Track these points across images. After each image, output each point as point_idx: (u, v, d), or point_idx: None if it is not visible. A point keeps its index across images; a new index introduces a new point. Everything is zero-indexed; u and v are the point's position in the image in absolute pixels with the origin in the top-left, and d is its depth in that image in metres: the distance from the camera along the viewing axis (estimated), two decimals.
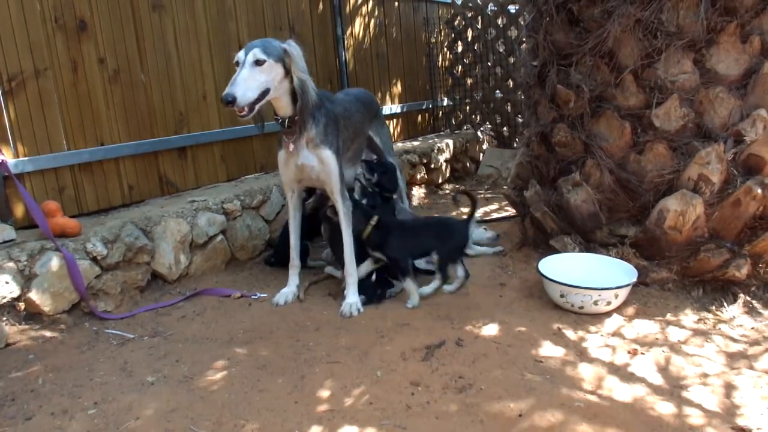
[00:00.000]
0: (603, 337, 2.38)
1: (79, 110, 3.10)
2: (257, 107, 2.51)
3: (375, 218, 2.84)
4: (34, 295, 2.55)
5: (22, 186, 2.78)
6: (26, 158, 2.89)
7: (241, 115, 2.46)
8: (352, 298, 2.76)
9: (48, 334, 2.57)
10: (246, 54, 2.48)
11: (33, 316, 2.61)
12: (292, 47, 2.56)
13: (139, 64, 3.37)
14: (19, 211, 2.87)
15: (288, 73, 2.57)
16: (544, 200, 3.16)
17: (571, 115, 3.05)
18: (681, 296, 2.70)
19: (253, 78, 2.46)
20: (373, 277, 2.91)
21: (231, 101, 2.38)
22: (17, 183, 2.77)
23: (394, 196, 3.46)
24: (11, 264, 2.51)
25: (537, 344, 2.33)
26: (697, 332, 2.39)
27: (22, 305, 2.56)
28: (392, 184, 3.35)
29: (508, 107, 5.95)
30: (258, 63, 2.47)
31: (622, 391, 1.98)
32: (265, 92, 2.51)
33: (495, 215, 4.37)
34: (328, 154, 2.73)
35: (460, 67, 6.19)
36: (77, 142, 3.10)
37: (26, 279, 2.55)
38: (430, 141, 5.62)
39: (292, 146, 2.72)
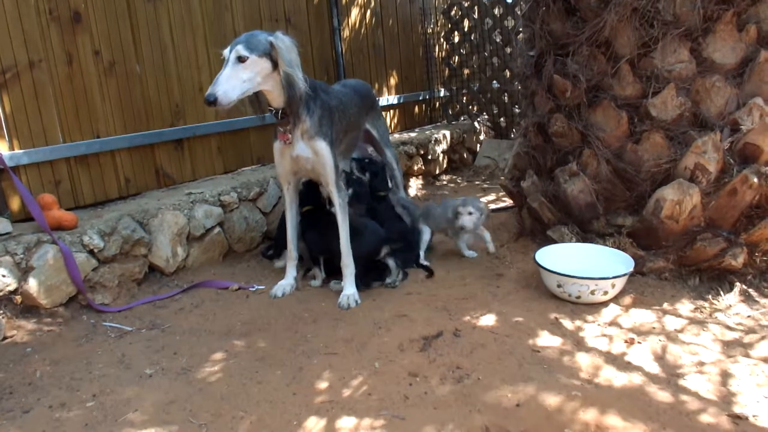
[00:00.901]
0: (600, 327, 2.39)
1: (74, 102, 3.09)
2: (237, 100, 2.50)
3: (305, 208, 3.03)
4: (31, 288, 2.54)
5: (17, 179, 2.77)
6: (22, 151, 2.88)
7: (219, 108, 2.46)
8: (350, 289, 2.76)
9: (45, 327, 2.57)
10: (230, 51, 2.47)
11: (30, 309, 2.61)
12: (279, 40, 2.53)
13: (135, 55, 3.36)
14: (15, 204, 2.87)
15: (277, 66, 2.54)
16: (541, 191, 3.16)
17: (568, 105, 3.05)
18: (678, 285, 2.70)
19: (236, 76, 2.44)
20: None
21: (212, 101, 2.38)
22: (13, 176, 2.76)
23: (391, 188, 3.46)
24: (8, 257, 2.51)
25: (534, 334, 2.34)
26: (693, 321, 2.40)
27: (19, 298, 2.55)
28: (384, 184, 3.33)
29: (505, 98, 5.94)
30: (241, 60, 2.45)
31: (619, 380, 1.99)
32: (251, 88, 2.51)
33: (492, 206, 4.37)
34: (322, 146, 2.72)
35: (456, 57, 6.17)
36: (73, 135, 3.09)
37: (23, 272, 2.55)
38: (428, 132, 5.61)
39: (290, 136, 2.71)
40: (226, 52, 2.49)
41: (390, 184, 3.52)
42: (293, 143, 2.72)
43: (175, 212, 3.13)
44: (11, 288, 2.51)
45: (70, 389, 2.09)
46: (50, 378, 2.18)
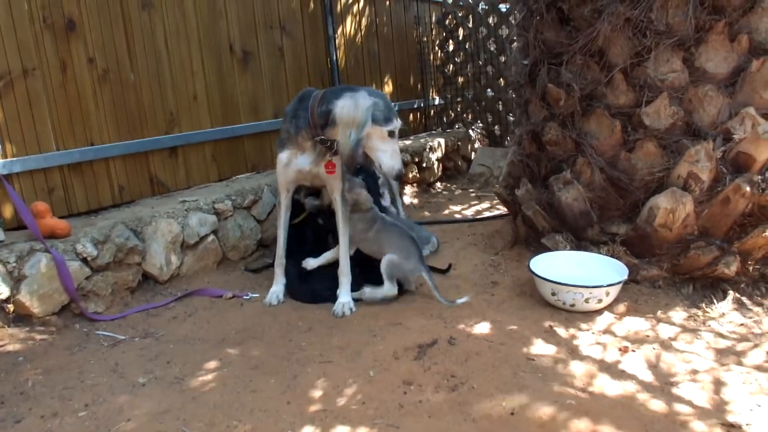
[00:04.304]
0: (594, 335, 2.39)
1: (68, 110, 3.08)
2: None
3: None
4: (23, 296, 2.53)
5: (10, 187, 2.76)
6: (15, 159, 2.86)
7: None
8: (345, 297, 2.76)
9: (38, 335, 2.55)
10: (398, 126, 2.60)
11: (22, 317, 2.59)
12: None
13: (129, 63, 3.35)
14: (7, 212, 2.85)
15: None
16: (535, 199, 3.17)
17: (561, 114, 3.07)
18: (671, 293, 2.71)
19: None
20: None
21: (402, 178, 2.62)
22: (6, 184, 2.75)
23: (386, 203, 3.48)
24: (0, 266, 2.49)
25: (529, 342, 2.34)
26: (686, 329, 2.41)
27: (11, 307, 2.53)
28: (374, 195, 3.34)
29: (500, 106, 5.96)
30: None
31: (613, 388, 1.99)
32: None
33: (487, 214, 4.38)
34: (337, 160, 2.74)
35: (451, 65, 6.20)
36: (67, 142, 3.08)
37: (15, 280, 2.53)
38: (422, 140, 5.62)
39: (329, 156, 2.73)
40: (397, 126, 2.59)
41: (387, 202, 3.54)
42: (314, 157, 2.74)
43: (169, 220, 3.12)
44: (3, 296, 2.49)
45: (63, 399, 2.08)
46: (42, 387, 2.16)
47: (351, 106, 2.52)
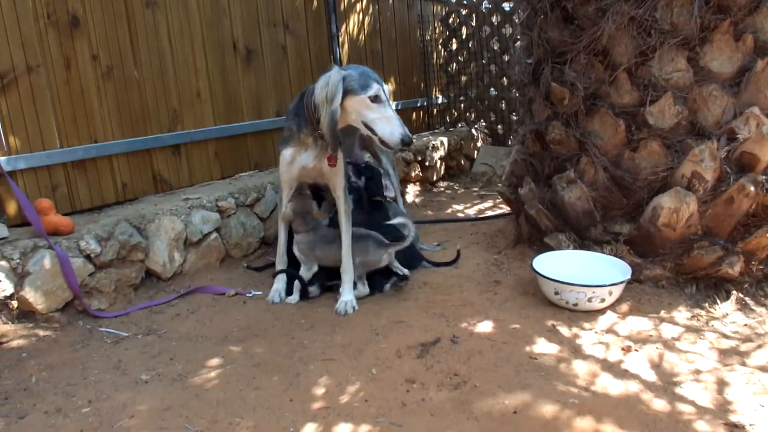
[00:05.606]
0: (597, 334, 2.39)
1: (72, 107, 3.08)
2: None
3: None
4: (27, 293, 2.53)
5: (14, 183, 2.77)
6: (19, 155, 2.87)
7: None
8: (348, 296, 2.76)
9: (41, 332, 2.56)
10: (385, 91, 2.52)
11: (26, 314, 2.60)
12: None
13: (133, 60, 3.35)
14: (11, 208, 2.86)
15: None
16: (538, 198, 3.16)
17: (565, 113, 3.06)
18: (674, 293, 2.71)
19: None
20: None
21: (411, 141, 2.49)
22: (10, 181, 2.75)
23: (389, 199, 3.47)
24: (4, 262, 2.50)
25: (531, 341, 2.34)
26: (690, 329, 2.40)
27: (15, 303, 2.54)
28: (379, 189, 3.34)
29: (503, 105, 5.96)
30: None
31: (615, 388, 1.99)
32: None
33: (489, 213, 4.38)
34: (339, 156, 2.75)
35: (454, 64, 6.19)
36: (70, 140, 3.08)
37: (19, 277, 2.54)
38: (425, 138, 5.62)
39: (339, 154, 2.73)
40: (380, 88, 2.50)
41: (393, 193, 3.54)
42: (317, 155, 2.74)
43: (173, 217, 3.13)
44: (7, 293, 2.50)
45: (66, 395, 2.08)
46: (46, 383, 2.17)
47: (322, 85, 2.53)
